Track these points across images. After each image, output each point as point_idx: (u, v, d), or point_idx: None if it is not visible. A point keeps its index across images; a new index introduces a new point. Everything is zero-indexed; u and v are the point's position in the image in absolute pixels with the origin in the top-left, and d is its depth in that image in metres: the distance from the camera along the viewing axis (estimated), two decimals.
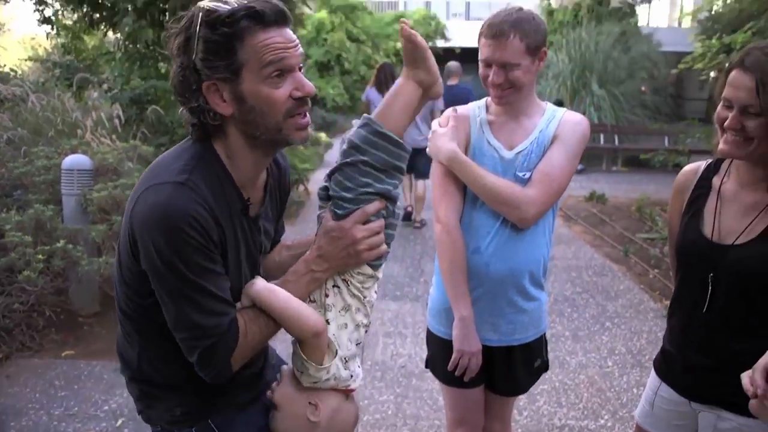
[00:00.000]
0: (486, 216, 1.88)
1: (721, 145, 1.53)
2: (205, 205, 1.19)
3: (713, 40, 7.66)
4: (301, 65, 1.25)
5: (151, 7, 5.55)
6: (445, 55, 19.19)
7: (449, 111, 1.95)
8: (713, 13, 8.40)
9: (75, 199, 4.11)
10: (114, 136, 4.66)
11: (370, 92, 7.46)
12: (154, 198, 1.17)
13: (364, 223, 1.30)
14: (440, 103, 6.97)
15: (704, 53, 7.64)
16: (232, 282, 1.26)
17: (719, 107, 1.54)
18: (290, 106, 1.21)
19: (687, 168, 1.78)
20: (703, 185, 1.70)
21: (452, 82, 7.24)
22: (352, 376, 1.36)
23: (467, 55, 14.43)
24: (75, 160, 4.18)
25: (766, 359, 1.25)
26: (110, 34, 6.47)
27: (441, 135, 1.90)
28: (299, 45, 1.23)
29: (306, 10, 7.53)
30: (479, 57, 1.85)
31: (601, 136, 12.25)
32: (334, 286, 1.34)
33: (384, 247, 1.34)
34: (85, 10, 6.07)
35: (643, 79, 13.74)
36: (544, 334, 2.03)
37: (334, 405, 1.35)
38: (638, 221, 7.40)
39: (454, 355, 1.91)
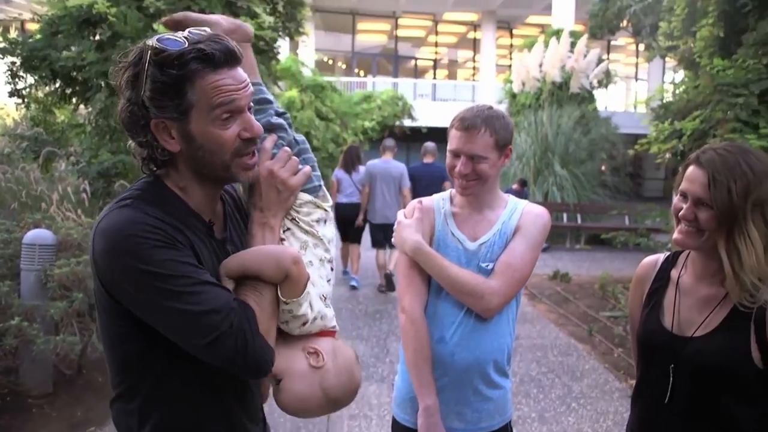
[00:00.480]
0: (450, 306, 1.92)
1: (675, 235, 1.62)
2: (156, 216, 1.18)
3: (666, 124, 8.06)
4: (251, 105, 1.26)
5: None
6: (412, 134, 19.76)
7: (414, 202, 2.03)
8: (663, 101, 8.87)
9: (35, 274, 4.01)
10: (80, 211, 4.63)
11: (338, 173, 8.02)
12: (104, 228, 1.18)
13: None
14: (406, 180, 7.41)
15: (658, 137, 8.01)
16: None
17: (676, 199, 1.64)
18: (238, 146, 1.22)
19: (646, 260, 1.85)
20: (662, 277, 1.76)
21: (428, 160, 7.69)
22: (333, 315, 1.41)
23: (433, 134, 14.84)
24: (37, 234, 4.12)
25: None
26: (82, 107, 6.52)
27: (406, 226, 1.96)
28: (249, 85, 1.24)
29: (276, 89, 7.72)
30: (448, 147, 1.93)
31: (564, 215, 12.55)
32: (286, 230, 1.37)
33: (306, 167, 1.39)
34: (58, 84, 6.13)
35: (602, 160, 14.26)
36: (510, 421, 2.03)
37: (330, 346, 1.38)
38: (601, 299, 7.51)
39: None
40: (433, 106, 22.01)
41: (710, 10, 7.70)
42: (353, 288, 7.88)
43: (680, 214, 1.59)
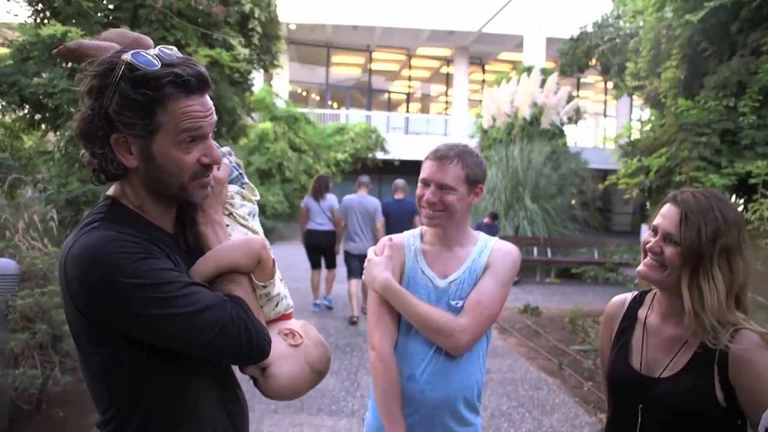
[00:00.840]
0: (420, 343, 1.93)
1: (640, 267, 1.68)
2: (127, 233, 1.19)
3: (633, 161, 8.28)
4: (213, 130, 1.31)
5: None
6: (384, 167, 19.92)
7: (385, 239, 2.04)
8: (631, 139, 9.12)
9: None
10: (46, 240, 4.55)
11: (308, 200, 8.33)
12: (77, 253, 1.17)
13: None
14: (380, 215, 7.69)
15: (626, 172, 8.22)
16: None
17: (647, 234, 1.70)
18: (197, 170, 1.25)
19: (615, 300, 1.90)
20: (630, 317, 1.80)
21: (399, 196, 8.00)
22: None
23: (406, 167, 15.02)
24: None
25: None
26: (51, 134, 6.46)
27: (376, 264, 1.98)
28: (213, 112, 1.27)
29: (249, 121, 7.77)
30: (420, 177, 1.96)
31: (535, 249, 12.68)
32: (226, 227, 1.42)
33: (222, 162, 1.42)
34: (26, 110, 6.08)
35: (572, 195, 14.52)
36: None
37: (297, 324, 1.49)
38: (571, 333, 7.56)
39: None
40: (405, 139, 22.28)
41: (674, 53, 8.00)
42: (328, 308, 8.39)
43: (648, 246, 1.65)
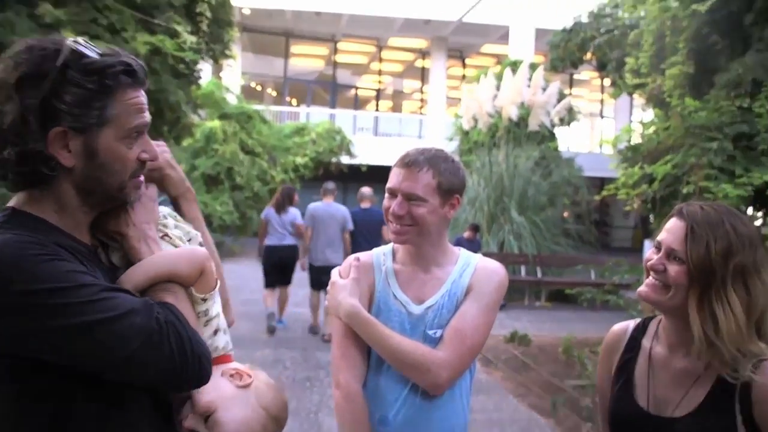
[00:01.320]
0: (393, 381, 1.89)
1: (641, 287, 1.71)
2: (33, 237, 1.18)
3: (635, 169, 8.38)
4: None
5: None
6: (350, 173, 19.91)
7: (351, 259, 2.01)
8: (631, 143, 9.25)
9: None
10: None
11: (269, 211, 8.72)
12: None
13: None
14: (350, 223, 8.11)
15: (626, 181, 8.32)
16: None
17: (650, 251, 1.72)
18: (136, 167, 1.31)
19: (615, 328, 1.92)
20: (633, 347, 1.83)
21: (365, 205, 8.36)
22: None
23: (374, 173, 15.00)
24: None
25: None
26: None
27: (341, 288, 1.93)
28: None
29: (195, 118, 7.68)
30: (386, 187, 1.94)
31: (522, 268, 12.77)
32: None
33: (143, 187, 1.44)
34: None
35: (565, 206, 14.69)
36: None
37: (242, 365, 1.47)
38: (566, 365, 7.60)
39: None
40: (374, 141, 22.40)
41: (680, 47, 8.13)
42: (280, 328, 8.71)
43: (650, 264, 1.68)
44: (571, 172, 15.23)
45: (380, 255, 2.05)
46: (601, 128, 28.58)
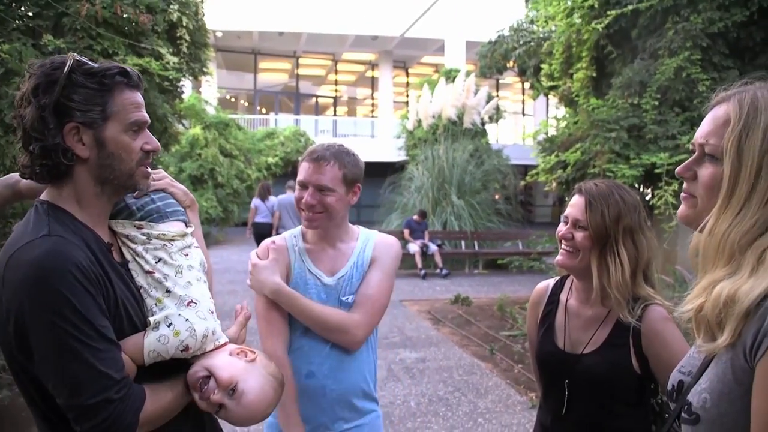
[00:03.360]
0: (317, 341, 1.90)
1: (557, 257, 1.81)
2: (79, 244, 1.21)
3: (552, 156, 8.63)
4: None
5: None
6: None
7: (267, 242, 2.00)
8: (548, 135, 9.50)
9: None
10: None
11: (256, 201, 11.14)
12: (27, 257, 1.15)
13: None
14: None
15: (544, 167, 8.56)
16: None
17: (560, 225, 1.83)
18: (141, 156, 1.34)
19: (539, 286, 2.02)
20: (553, 301, 1.93)
21: (290, 192, 10.34)
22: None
23: None
24: None
25: None
26: None
27: (263, 269, 1.91)
28: None
29: (180, 128, 7.63)
30: (297, 179, 1.93)
31: (462, 243, 12.98)
32: (158, 261, 1.38)
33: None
34: None
35: (496, 190, 14.94)
36: None
37: (238, 346, 1.45)
38: (500, 320, 7.82)
39: None
40: (334, 141, 22.20)
41: (583, 56, 8.38)
42: None
43: (560, 234, 1.79)
44: (500, 161, 15.42)
45: (291, 237, 2.02)
46: (523, 124, 28.98)
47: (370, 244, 2.01)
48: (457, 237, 12.87)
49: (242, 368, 1.35)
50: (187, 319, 1.31)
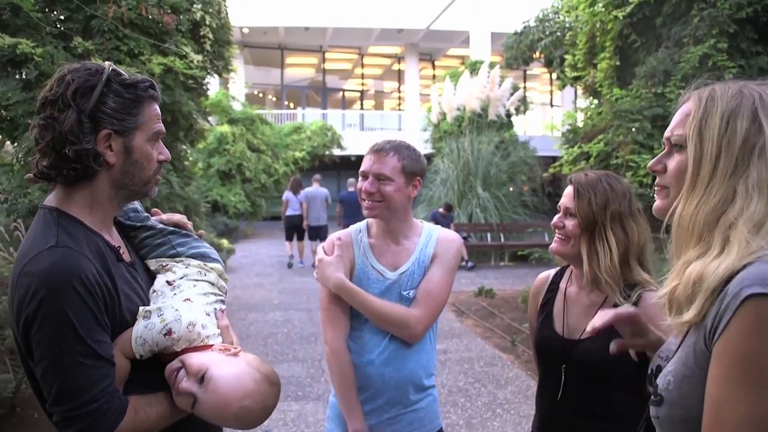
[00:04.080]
0: (376, 332, 2.00)
1: (552, 245, 1.87)
2: (87, 256, 1.24)
3: (575, 148, 8.58)
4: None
5: None
6: (341, 162, 19.99)
7: (333, 237, 2.07)
8: (573, 126, 9.44)
9: None
10: (12, 249, 4.54)
11: (287, 194, 12.07)
12: (35, 270, 1.19)
13: None
14: (329, 198, 11.62)
15: (568, 159, 8.52)
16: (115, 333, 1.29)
17: (556, 215, 1.87)
18: (157, 166, 1.40)
19: (540, 276, 2.06)
20: (553, 289, 1.97)
21: (351, 189, 11.46)
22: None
23: (361, 162, 15.12)
24: None
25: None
26: (8, 144, 6.37)
27: (328, 264, 2.00)
28: None
29: (205, 124, 7.78)
30: (359, 171, 2.03)
31: (488, 235, 12.96)
32: (164, 267, 1.47)
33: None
34: None
35: (522, 181, 14.86)
36: (440, 429, 2.14)
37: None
38: (524, 312, 7.79)
39: None
40: (361, 135, 22.36)
41: (607, 46, 8.31)
42: (289, 267, 11.77)
43: (553, 223, 1.85)
44: (527, 153, 15.34)
45: (357, 232, 2.09)
46: (551, 115, 28.67)
47: (432, 240, 2.06)
48: (482, 229, 12.85)
49: (216, 358, 1.31)
50: (176, 309, 1.34)
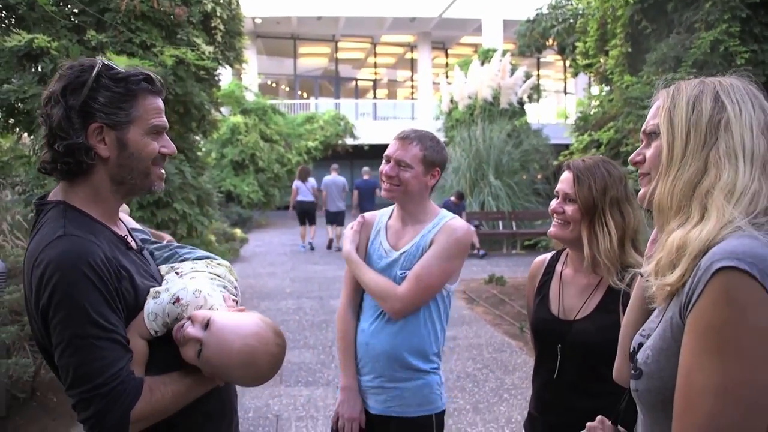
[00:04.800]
0: (373, 304, 2.17)
1: (550, 229, 1.91)
2: (95, 242, 1.28)
3: (585, 136, 8.57)
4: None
5: None
6: (354, 152, 20.04)
7: (359, 218, 2.28)
8: (584, 114, 9.41)
9: None
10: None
11: (296, 183, 12.72)
12: (46, 259, 1.23)
13: None
14: (346, 186, 12.29)
15: (578, 147, 8.51)
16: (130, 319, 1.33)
17: (553, 200, 1.92)
18: (157, 157, 1.39)
19: (537, 259, 2.11)
20: (549, 271, 2.01)
21: (366, 177, 12.51)
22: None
23: (374, 151, 15.14)
24: None
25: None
26: (25, 136, 6.50)
27: (346, 237, 2.24)
28: None
29: (218, 115, 7.87)
30: (384, 154, 2.14)
31: (500, 223, 12.97)
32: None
33: None
34: (0, 115, 6.10)
35: (535, 170, 14.82)
36: (435, 414, 2.15)
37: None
38: None
39: (333, 417, 2.15)
40: (374, 124, 22.40)
41: (618, 32, 8.27)
42: (311, 249, 12.59)
43: (551, 208, 1.89)
44: (539, 141, 15.28)
45: (382, 215, 2.27)
46: (565, 103, 28.47)
47: (438, 226, 2.12)
48: (494, 217, 12.86)
49: (221, 310, 1.37)
50: (183, 283, 1.40)
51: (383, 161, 2.14)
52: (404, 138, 2.10)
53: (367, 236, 2.22)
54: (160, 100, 1.42)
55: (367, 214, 2.27)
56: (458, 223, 2.16)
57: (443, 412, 2.19)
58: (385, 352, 2.11)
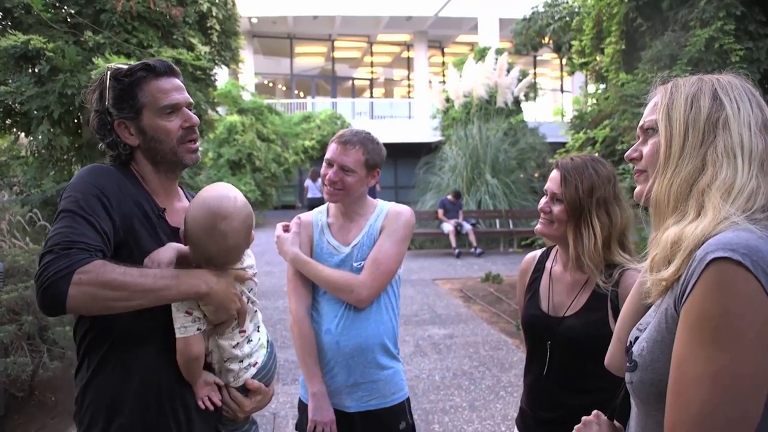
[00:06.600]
0: (333, 302, 2.15)
1: (537, 226, 1.94)
2: (120, 184, 1.48)
3: (581, 134, 8.59)
4: (191, 103, 1.60)
5: (67, 117, 5.70)
6: None
7: (295, 218, 2.26)
8: (580, 112, 9.43)
9: None
10: (28, 239, 4.68)
11: (307, 182, 14.65)
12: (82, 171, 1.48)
13: None
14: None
15: (574, 145, 8.53)
16: None
17: (542, 198, 1.94)
18: (181, 134, 1.55)
19: (527, 256, 2.13)
20: (539, 268, 2.04)
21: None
22: None
23: None
24: None
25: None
26: (22, 136, 6.51)
27: (284, 240, 2.19)
28: (185, 89, 1.59)
29: (214, 115, 7.88)
30: (325, 157, 2.16)
31: (497, 221, 13.02)
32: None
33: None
34: None
35: (531, 168, 14.85)
36: (406, 399, 2.23)
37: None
38: None
39: (309, 425, 2.11)
40: (371, 123, 22.40)
41: (613, 30, 8.29)
42: None
43: (540, 207, 1.91)
44: (536, 139, 15.32)
45: (318, 214, 2.27)
46: (562, 101, 28.50)
47: (382, 214, 2.19)
48: (491, 216, 12.90)
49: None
50: None
51: (324, 164, 2.15)
52: (346, 142, 2.11)
53: (309, 236, 2.21)
54: (168, 80, 1.55)
55: (302, 215, 2.27)
56: (401, 207, 2.24)
57: (409, 397, 2.27)
58: (359, 346, 2.13)
